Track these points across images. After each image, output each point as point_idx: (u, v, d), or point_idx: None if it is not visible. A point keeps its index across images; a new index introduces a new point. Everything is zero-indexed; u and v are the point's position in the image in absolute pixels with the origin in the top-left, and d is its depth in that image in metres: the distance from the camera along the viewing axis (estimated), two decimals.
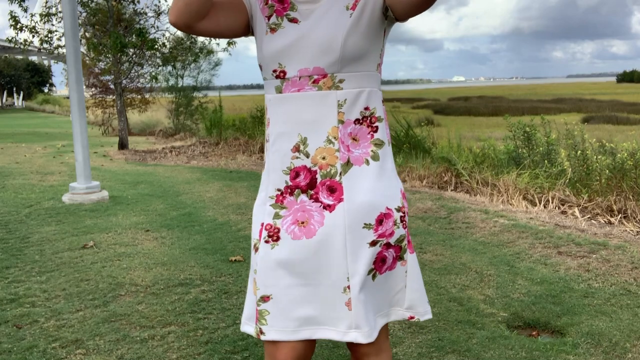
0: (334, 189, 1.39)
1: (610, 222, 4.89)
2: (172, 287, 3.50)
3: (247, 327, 1.49)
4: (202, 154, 11.31)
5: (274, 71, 1.41)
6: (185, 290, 3.44)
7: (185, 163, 10.13)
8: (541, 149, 6.78)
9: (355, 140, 1.41)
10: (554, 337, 2.80)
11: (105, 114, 17.16)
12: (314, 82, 1.38)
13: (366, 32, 1.38)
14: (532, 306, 3.11)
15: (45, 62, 56.35)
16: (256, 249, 1.46)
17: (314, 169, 1.39)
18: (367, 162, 1.41)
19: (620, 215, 5.02)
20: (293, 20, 1.40)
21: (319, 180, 1.40)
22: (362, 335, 1.40)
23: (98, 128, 17.65)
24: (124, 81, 13.54)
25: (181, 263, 3.98)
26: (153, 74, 13.95)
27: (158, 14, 12.98)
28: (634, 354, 2.57)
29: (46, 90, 56.30)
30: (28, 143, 13.89)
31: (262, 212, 1.47)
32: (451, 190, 6.39)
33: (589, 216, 5.09)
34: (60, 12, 11.79)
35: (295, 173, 1.41)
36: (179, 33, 13.62)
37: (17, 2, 11.17)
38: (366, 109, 1.42)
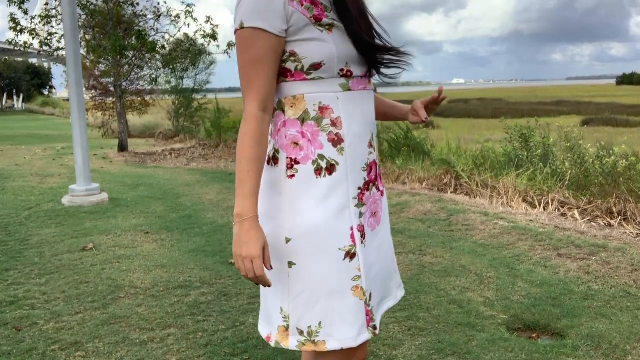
0: (381, 176, 1.58)
1: (610, 224, 4.89)
2: (172, 290, 3.50)
3: (363, 336, 1.43)
4: (202, 156, 11.31)
5: (342, 70, 1.40)
6: (184, 293, 3.44)
7: (185, 165, 10.13)
8: (539, 151, 6.79)
9: None
10: (554, 339, 2.79)
11: (105, 116, 17.17)
12: (369, 82, 1.50)
13: None
14: (532, 308, 3.11)
15: (45, 65, 56.40)
16: (352, 256, 1.41)
17: (377, 161, 1.52)
18: None
19: (620, 217, 5.01)
20: (335, 21, 1.40)
21: (377, 170, 1.54)
22: (402, 289, 1.67)
23: (98, 130, 17.65)
24: (123, 83, 13.55)
25: (181, 265, 3.98)
26: (153, 76, 13.96)
27: (158, 16, 12.99)
28: (634, 356, 2.57)
29: (46, 92, 56.30)
30: (28, 145, 13.89)
31: (347, 216, 1.42)
32: (451, 193, 6.39)
33: (588, 218, 5.08)
34: (60, 14, 11.80)
35: (370, 168, 1.49)
36: (178, 35, 13.63)
37: (17, 4, 11.18)
38: None
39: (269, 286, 1.36)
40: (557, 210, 5.41)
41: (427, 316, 3.04)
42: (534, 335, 2.83)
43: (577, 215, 5.12)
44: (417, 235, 4.62)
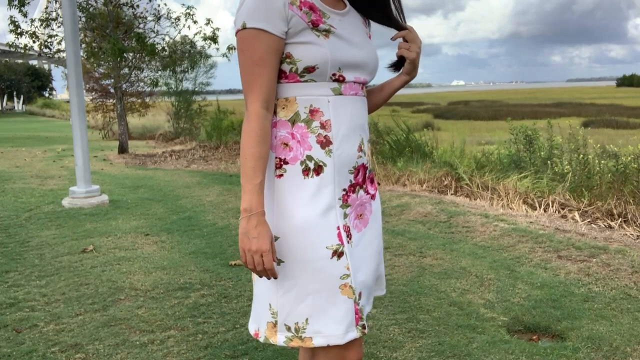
0: (372, 180, 1.60)
1: (610, 226, 4.89)
2: (172, 292, 3.50)
3: (350, 334, 1.43)
4: (202, 158, 11.32)
5: (334, 74, 1.43)
6: (185, 295, 3.44)
7: (185, 167, 10.13)
8: (542, 153, 6.78)
9: None
10: (555, 341, 2.79)
11: (105, 118, 17.19)
12: (361, 88, 1.53)
13: None
14: (532, 310, 3.10)
15: (46, 67, 56.47)
16: (340, 254, 1.43)
17: (367, 164, 1.54)
18: None
19: (620, 219, 5.01)
20: (332, 27, 1.44)
21: (367, 174, 1.56)
22: (383, 289, 1.71)
23: (98, 132, 17.67)
24: (124, 85, 13.55)
25: (181, 267, 3.98)
26: (153, 78, 13.97)
27: (158, 18, 12.99)
28: (635, 358, 2.57)
29: (46, 94, 56.39)
30: (28, 147, 13.90)
31: (332, 217, 1.44)
32: (451, 194, 6.39)
33: (589, 220, 5.08)
34: (60, 17, 11.81)
35: (357, 171, 1.51)
36: (177, 37, 13.64)
37: (17, 7, 11.18)
38: None
39: (275, 278, 1.41)
40: (557, 212, 5.41)
41: (427, 318, 3.03)
42: (534, 337, 2.83)
43: (577, 217, 5.12)
44: (417, 237, 4.62)
